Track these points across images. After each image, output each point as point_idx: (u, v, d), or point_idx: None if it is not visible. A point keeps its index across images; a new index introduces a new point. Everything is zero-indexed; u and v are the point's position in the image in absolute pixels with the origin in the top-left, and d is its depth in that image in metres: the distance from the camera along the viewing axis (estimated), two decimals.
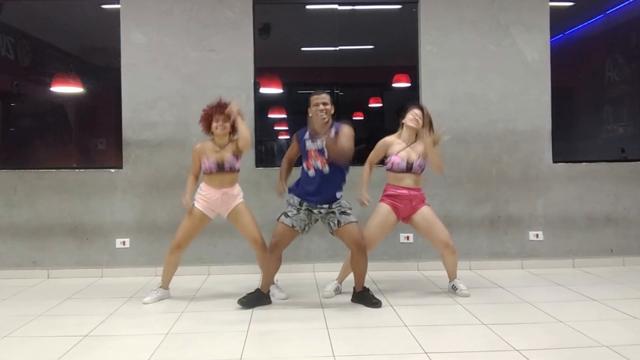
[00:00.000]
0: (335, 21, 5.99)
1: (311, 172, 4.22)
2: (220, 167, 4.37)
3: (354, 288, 4.49)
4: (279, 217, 4.29)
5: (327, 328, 3.77)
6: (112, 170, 5.67)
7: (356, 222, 4.28)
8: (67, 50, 6.28)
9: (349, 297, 4.53)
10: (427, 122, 4.51)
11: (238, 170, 4.49)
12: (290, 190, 4.34)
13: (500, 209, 5.80)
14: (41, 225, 5.63)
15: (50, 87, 6.04)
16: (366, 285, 4.51)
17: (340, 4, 5.93)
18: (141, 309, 4.37)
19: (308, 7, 6.03)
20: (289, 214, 4.25)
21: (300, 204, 4.25)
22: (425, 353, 3.26)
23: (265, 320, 4.03)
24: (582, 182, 5.84)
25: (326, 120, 4.21)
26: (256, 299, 4.37)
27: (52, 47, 6.27)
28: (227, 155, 4.39)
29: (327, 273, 5.04)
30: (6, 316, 4.20)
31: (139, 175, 5.64)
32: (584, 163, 5.88)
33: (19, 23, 6.08)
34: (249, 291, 4.42)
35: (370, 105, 6.41)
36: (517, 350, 3.26)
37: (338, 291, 4.69)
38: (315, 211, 4.26)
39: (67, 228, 5.64)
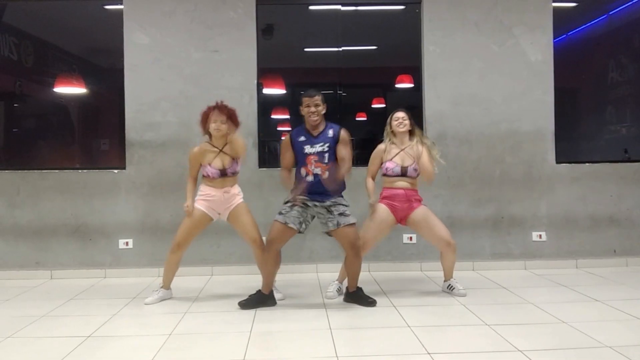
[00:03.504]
0: (338, 22, 5.99)
1: (310, 178, 4.21)
2: (223, 173, 4.38)
3: (347, 288, 4.49)
4: (275, 216, 4.31)
5: (330, 329, 3.77)
6: (115, 171, 5.68)
7: (354, 223, 4.29)
8: (70, 50, 6.29)
9: None
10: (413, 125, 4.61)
11: (238, 172, 4.52)
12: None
13: (503, 209, 5.79)
14: (44, 226, 5.63)
15: (53, 87, 6.05)
16: (368, 285, 4.52)
17: (343, 5, 5.93)
18: (144, 310, 4.37)
19: (311, 7, 6.03)
20: (283, 211, 4.27)
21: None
22: (428, 354, 3.25)
23: (268, 320, 4.03)
24: (585, 182, 5.84)
25: (318, 121, 4.24)
26: (258, 300, 4.35)
27: (55, 48, 6.28)
28: (227, 161, 4.39)
29: (330, 274, 5.04)
30: (9, 317, 4.20)
31: (142, 175, 5.65)
32: (587, 164, 5.88)
33: (22, 23, 6.09)
34: (252, 292, 4.42)
35: (373, 106, 6.41)
36: (520, 351, 3.25)
37: (340, 292, 4.69)
38: (310, 204, 4.25)
39: (70, 229, 5.64)
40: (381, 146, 4.65)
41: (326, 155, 4.22)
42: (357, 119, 6.39)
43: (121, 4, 5.68)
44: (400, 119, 4.55)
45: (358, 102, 6.44)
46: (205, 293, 4.90)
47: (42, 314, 4.24)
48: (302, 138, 4.28)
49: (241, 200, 4.50)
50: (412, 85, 6.10)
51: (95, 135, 6.49)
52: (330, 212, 4.24)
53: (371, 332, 3.73)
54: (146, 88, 5.66)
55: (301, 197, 4.19)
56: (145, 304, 4.46)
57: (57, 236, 5.64)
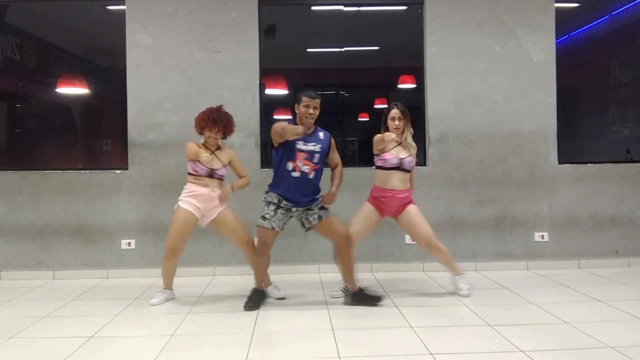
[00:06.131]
0: (341, 22, 5.99)
1: (296, 174, 4.20)
2: (210, 174, 4.44)
3: (349, 290, 4.50)
4: (259, 221, 4.29)
5: (333, 329, 3.77)
6: (118, 172, 5.68)
7: (335, 215, 4.36)
8: (73, 51, 6.30)
9: None
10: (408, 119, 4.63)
11: (223, 179, 4.57)
12: (270, 189, 4.34)
13: (506, 210, 5.79)
14: (46, 226, 5.64)
15: (55, 88, 6.05)
16: (368, 285, 4.51)
17: (345, 5, 5.93)
18: (147, 310, 4.37)
19: (313, 8, 6.03)
20: (267, 216, 4.26)
21: (280, 202, 4.25)
22: (431, 354, 3.25)
23: (270, 321, 4.04)
24: (587, 183, 5.83)
25: (311, 125, 4.27)
26: (258, 298, 4.42)
27: (57, 48, 6.28)
28: (217, 164, 4.46)
29: (332, 274, 5.03)
30: (12, 317, 4.21)
31: (144, 176, 5.65)
32: (590, 164, 5.87)
33: (25, 24, 6.09)
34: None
35: (375, 107, 6.41)
36: (523, 352, 3.25)
37: (346, 291, 4.67)
38: (293, 209, 4.29)
39: (73, 229, 5.65)
40: (380, 135, 4.55)
41: (317, 155, 4.25)
42: (359, 119, 6.39)
43: (123, 4, 5.69)
44: (396, 120, 4.52)
45: (360, 102, 6.43)
46: (207, 294, 4.91)
47: (44, 315, 4.25)
48: None
49: (225, 206, 4.53)
50: (414, 85, 6.09)
51: (97, 136, 6.49)
52: (309, 208, 4.29)
53: (373, 333, 3.73)
54: (148, 88, 5.66)
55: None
56: (151, 305, 4.46)
57: (59, 237, 5.65)
